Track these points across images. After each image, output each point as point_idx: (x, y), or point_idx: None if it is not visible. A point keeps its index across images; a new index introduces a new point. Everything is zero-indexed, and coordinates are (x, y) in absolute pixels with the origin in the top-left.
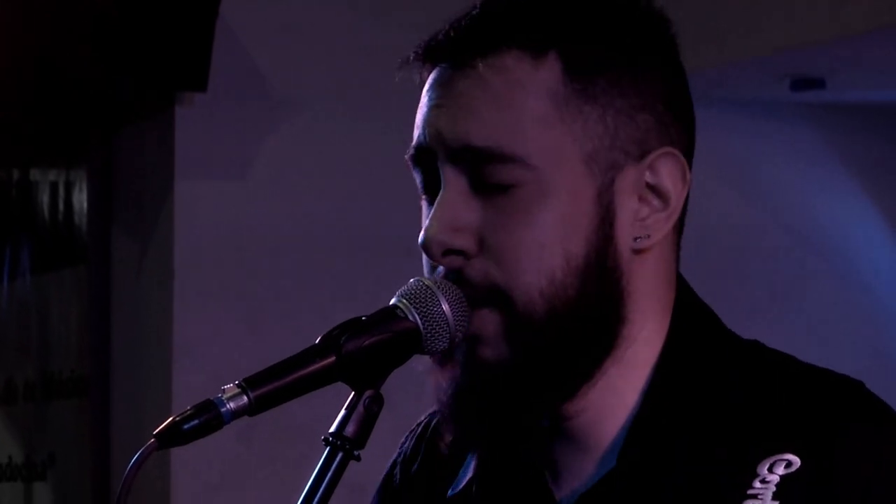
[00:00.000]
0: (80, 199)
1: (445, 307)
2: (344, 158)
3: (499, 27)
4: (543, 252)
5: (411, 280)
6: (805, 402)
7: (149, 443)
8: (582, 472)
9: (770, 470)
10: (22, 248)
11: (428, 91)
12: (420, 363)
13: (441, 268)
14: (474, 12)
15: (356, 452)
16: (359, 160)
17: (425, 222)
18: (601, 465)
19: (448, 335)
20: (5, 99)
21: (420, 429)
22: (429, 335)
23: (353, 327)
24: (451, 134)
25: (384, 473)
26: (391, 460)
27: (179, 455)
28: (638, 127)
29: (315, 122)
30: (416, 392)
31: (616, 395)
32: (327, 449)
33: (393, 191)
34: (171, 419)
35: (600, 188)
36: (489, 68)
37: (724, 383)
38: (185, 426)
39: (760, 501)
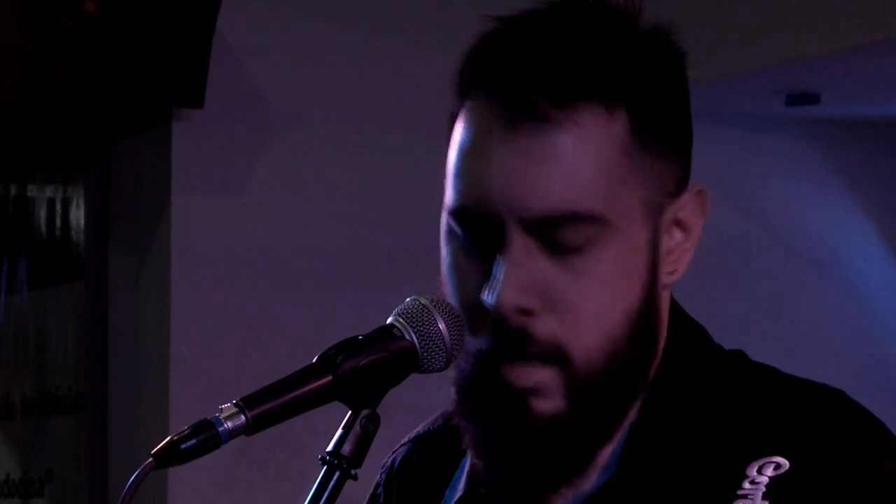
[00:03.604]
0: (77, 215)
1: (442, 326)
2: (340, 174)
3: (576, 77)
4: (607, 312)
5: (408, 299)
6: (791, 408)
7: (146, 462)
8: (583, 482)
9: (759, 472)
10: (19, 264)
11: (488, 136)
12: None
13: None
14: (542, 52)
15: (353, 471)
16: (355, 175)
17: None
18: (601, 476)
19: (445, 354)
20: (1, 115)
21: (386, 469)
22: (425, 354)
23: (349, 347)
24: (526, 205)
25: None
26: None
27: (176, 471)
28: (679, 169)
29: (311, 137)
30: (411, 408)
31: None
32: (324, 468)
33: (389, 206)
34: (168, 438)
35: (651, 234)
36: (565, 121)
37: (714, 393)
38: (183, 446)
39: (751, 501)
